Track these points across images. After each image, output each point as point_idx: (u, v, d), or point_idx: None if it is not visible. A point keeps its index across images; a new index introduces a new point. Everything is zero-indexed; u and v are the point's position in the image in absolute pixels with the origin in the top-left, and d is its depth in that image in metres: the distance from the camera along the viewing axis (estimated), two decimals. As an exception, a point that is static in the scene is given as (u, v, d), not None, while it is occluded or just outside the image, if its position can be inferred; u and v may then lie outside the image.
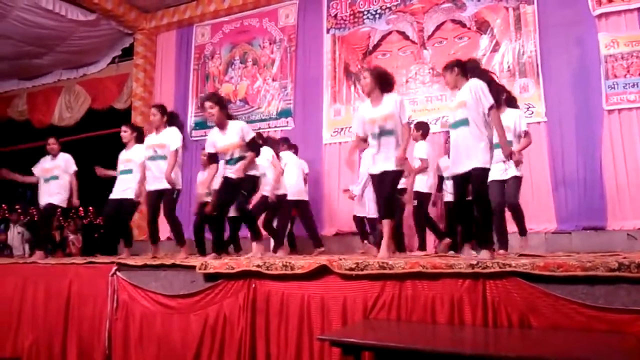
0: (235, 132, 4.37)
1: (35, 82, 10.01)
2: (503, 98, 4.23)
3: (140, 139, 5.24)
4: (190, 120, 8.27)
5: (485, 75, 3.63)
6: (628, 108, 5.56)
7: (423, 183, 5.27)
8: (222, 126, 4.43)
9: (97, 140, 8.94)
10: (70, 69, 9.66)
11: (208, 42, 8.40)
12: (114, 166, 5.47)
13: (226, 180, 4.38)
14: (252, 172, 4.41)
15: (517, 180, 4.40)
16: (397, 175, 3.79)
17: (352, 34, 7.24)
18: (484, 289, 2.75)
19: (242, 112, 7.83)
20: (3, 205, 10.71)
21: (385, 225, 3.75)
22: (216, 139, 4.45)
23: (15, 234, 9.19)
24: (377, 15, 7.10)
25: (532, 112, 5.97)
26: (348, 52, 7.22)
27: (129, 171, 5.15)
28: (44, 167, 5.74)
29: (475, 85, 3.44)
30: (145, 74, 8.66)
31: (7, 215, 10.25)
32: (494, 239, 3.67)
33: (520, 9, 6.25)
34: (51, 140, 5.82)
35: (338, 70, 7.25)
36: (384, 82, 3.83)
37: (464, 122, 3.44)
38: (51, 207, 5.62)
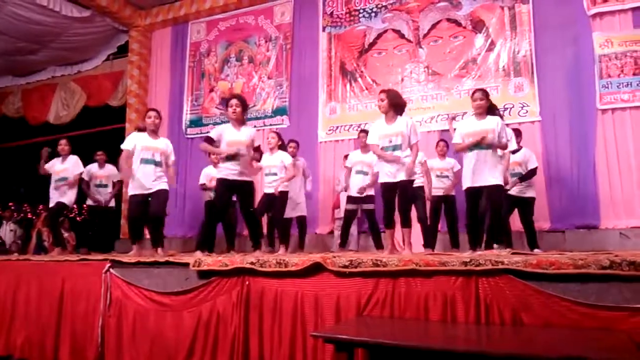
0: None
1: (29, 78, 9.97)
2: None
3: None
4: (186, 117, 8.25)
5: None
6: (621, 108, 5.59)
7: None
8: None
9: (92, 138, 8.89)
10: (65, 66, 9.63)
11: (204, 39, 8.38)
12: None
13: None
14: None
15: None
16: (411, 183, 4.31)
17: (347, 32, 7.24)
18: (476, 286, 2.76)
19: (237, 110, 7.82)
20: (-4, 202, 10.65)
21: (406, 234, 4.25)
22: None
23: (7, 231, 9.16)
24: (372, 14, 7.11)
25: (527, 111, 6.00)
26: (344, 50, 7.22)
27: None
28: (54, 168, 5.85)
29: (502, 123, 4.16)
30: (140, 71, 8.62)
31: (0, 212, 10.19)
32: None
33: (515, 8, 6.28)
34: (62, 142, 5.93)
35: (334, 69, 7.25)
36: (398, 105, 4.24)
37: (489, 146, 4.05)
38: (61, 206, 5.77)
